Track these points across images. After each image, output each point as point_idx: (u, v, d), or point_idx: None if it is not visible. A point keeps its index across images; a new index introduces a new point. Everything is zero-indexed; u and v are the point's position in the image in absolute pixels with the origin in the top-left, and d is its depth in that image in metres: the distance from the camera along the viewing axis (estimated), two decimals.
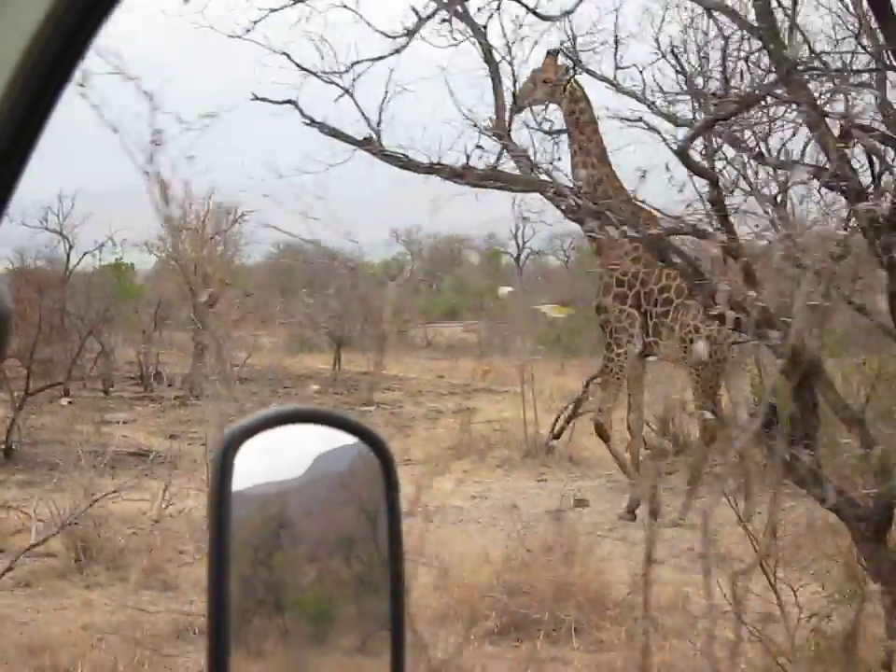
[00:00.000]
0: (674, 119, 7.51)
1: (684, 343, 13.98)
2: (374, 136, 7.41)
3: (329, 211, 5.45)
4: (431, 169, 7.28)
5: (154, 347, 29.28)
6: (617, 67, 8.11)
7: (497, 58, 8.53)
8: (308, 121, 7.76)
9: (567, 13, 7.63)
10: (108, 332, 27.31)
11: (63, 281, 25.90)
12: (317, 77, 7.55)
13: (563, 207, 6.76)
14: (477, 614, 10.09)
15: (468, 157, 7.27)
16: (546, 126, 9.47)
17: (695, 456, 14.35)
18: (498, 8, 8.29)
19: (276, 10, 8.39)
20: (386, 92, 7.77)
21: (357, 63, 8.27)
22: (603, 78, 8.16)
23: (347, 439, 1.89)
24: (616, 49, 8.18)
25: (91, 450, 20.14)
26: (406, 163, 7.37)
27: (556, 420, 18.22)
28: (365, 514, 1.95)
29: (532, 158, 7.52)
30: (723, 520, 6.44)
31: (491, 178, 7.22)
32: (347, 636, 1.92)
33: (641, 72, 8.00)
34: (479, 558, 11.69)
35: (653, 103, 7.67)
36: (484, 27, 8.30)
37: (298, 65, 7.28)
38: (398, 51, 8.18)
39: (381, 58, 8.08)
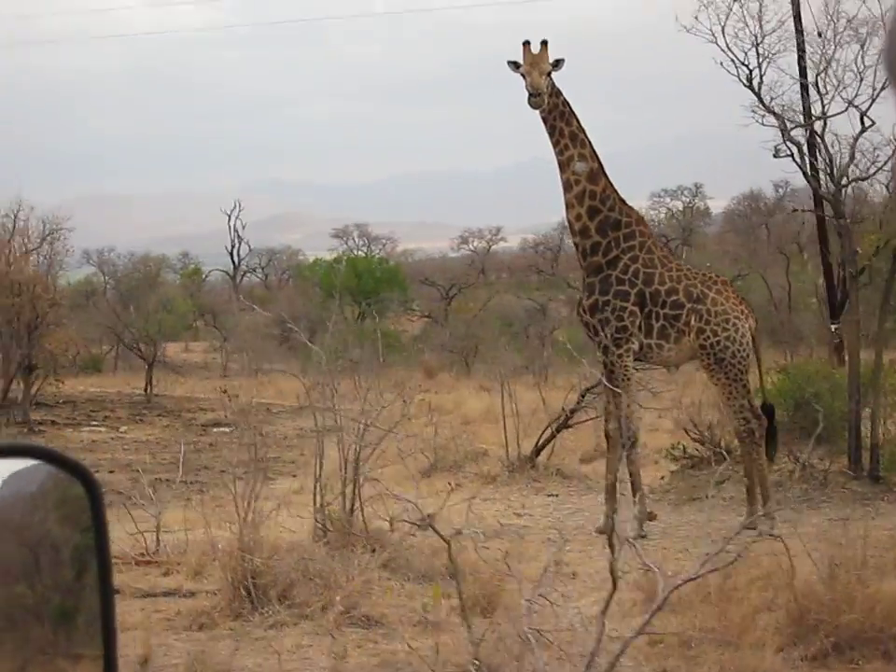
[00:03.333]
0: None
1: (705, 349, 13.48)
2: None
3: None
4: None
5: None
6: None
7: None
8: None
9: None
10: None
11: None
12: None
13: None
14: (787, 635, 9.21)
15: None
16: None
17: (748, 461, 13.86)
18: None
19: None
20: None
21: None
22: None
23: (51, 469, 1.98)
24: None
25: None
26: None
27: (542, 434, 17.38)
28: (60, 542, 2.03)
29: None
30: None
31: None
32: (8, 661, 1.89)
33: None
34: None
35: None
36: None
37: None
38: None
39: None
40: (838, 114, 14.62)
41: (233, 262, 54.32)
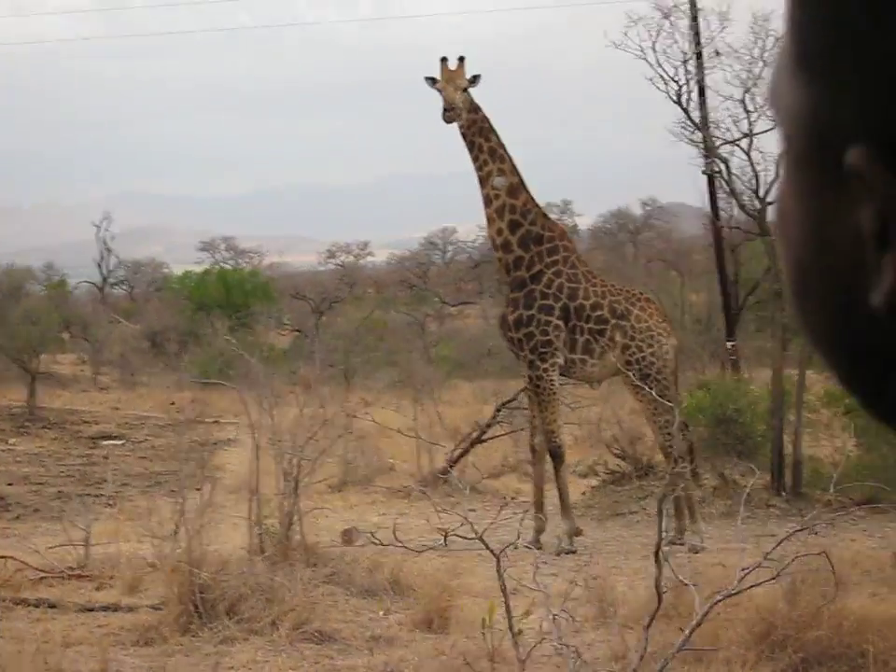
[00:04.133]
0: None
1: (630, 364, 13.51)
2: None
3: None
4: None
5: None
6: None
7: None
8: None
9: None
10: None
11: None
12: None
13: None
14: (755, 652, 9.15)
15: None
16: None
17: (674, 475, 13.91)
18: None
19: None
20: None
21: None
22: None
23: None
24: None
25: None
26: None
27: (455, 448, 17.21)
28: None
29: None
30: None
31: None
32: None
33: None
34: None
35: None
36: None
37: None
38: None
39: None
40: (766, 132, 14.74)
41: (102, 274, 53.32)
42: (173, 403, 14.22)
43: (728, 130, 14.80)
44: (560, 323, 13.66)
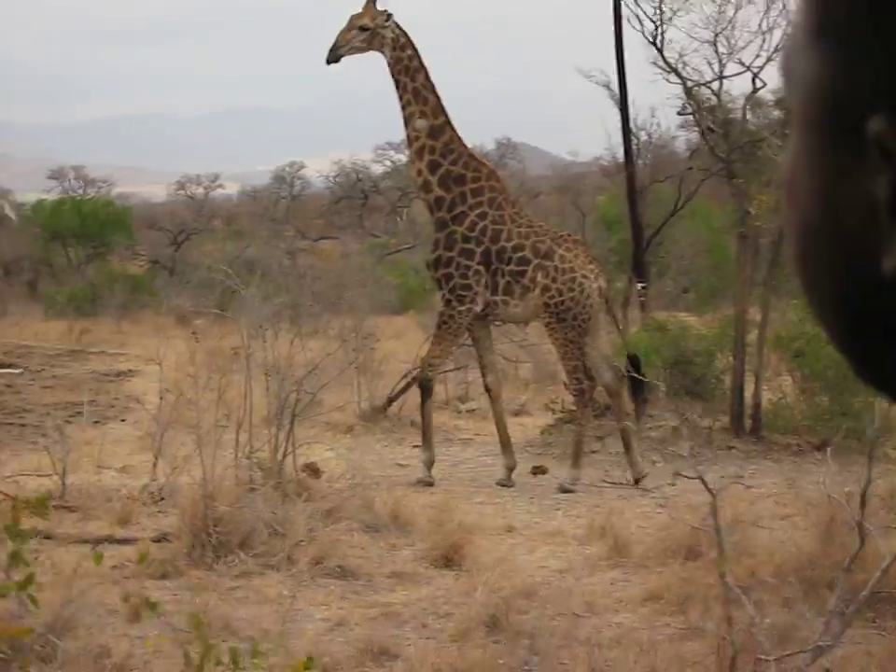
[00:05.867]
0: None
1: (548, 307, 13.47)
2: None
3: None
4: None
5: None
6: None
7: None
8: None
9: None
10: None
11: None
12: None
13: None
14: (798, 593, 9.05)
15: None
16: None
17: (575, 421, 13.97)
18: None
19: None
20: None
21: None
22: None
23: None
24: None
25: None
26: None
27: (398, 384, 16.94)
28: None
29: None
30: None
31: None
32: None
33: None
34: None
35: None
36: None
37: None
38: None
39: None
40: (735, 75, 14.64)
41: None
42: (194, 333, 13.57)
43: (698, 72, 14.66)
44: (481, 268, 13.60)
